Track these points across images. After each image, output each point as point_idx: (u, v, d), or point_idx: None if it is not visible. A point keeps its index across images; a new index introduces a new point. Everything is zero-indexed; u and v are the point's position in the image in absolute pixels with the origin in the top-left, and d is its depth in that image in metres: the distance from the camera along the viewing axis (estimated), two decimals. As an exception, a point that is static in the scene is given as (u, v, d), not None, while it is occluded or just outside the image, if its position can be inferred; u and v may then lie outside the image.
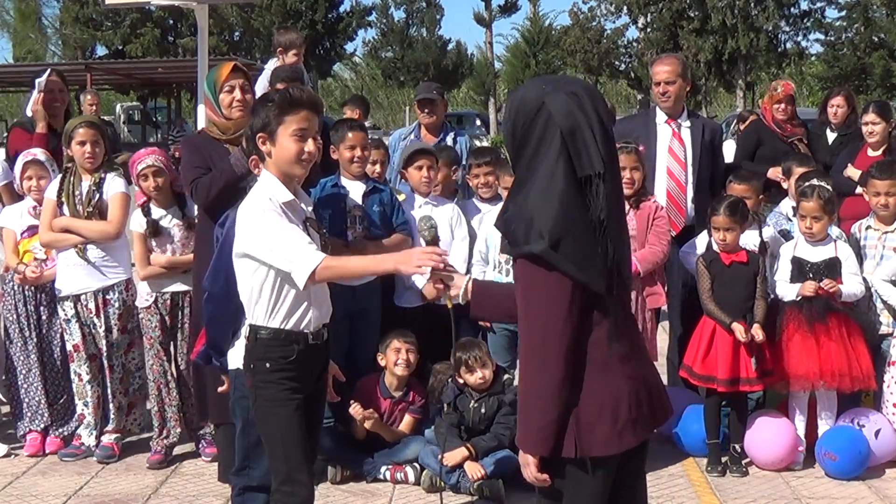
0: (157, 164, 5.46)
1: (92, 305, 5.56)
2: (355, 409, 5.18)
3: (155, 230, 5.47)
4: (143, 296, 5.55)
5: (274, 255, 3.47)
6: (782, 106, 7.61)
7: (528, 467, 2.87)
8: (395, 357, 5.29)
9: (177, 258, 5.50)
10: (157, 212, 5.52)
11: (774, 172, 6.85)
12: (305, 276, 3.41)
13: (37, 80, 6.23)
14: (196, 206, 5.24)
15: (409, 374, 5.37)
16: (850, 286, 5.39)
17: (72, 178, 5.59)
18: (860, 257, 5.64)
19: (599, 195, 2.74)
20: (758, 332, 5.26)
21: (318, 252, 3.46)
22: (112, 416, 5.67)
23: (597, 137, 2.75)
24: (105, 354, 5.60)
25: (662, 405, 2.98)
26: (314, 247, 3.48)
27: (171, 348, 5.59)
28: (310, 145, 3.58)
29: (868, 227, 5.71)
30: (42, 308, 5.80)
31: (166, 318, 5.52)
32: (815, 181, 5.59)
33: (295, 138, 3.55)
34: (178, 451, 5.71)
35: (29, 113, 6.34)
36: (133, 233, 5.53)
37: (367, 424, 5.23)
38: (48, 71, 6.37)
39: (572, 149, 2.74)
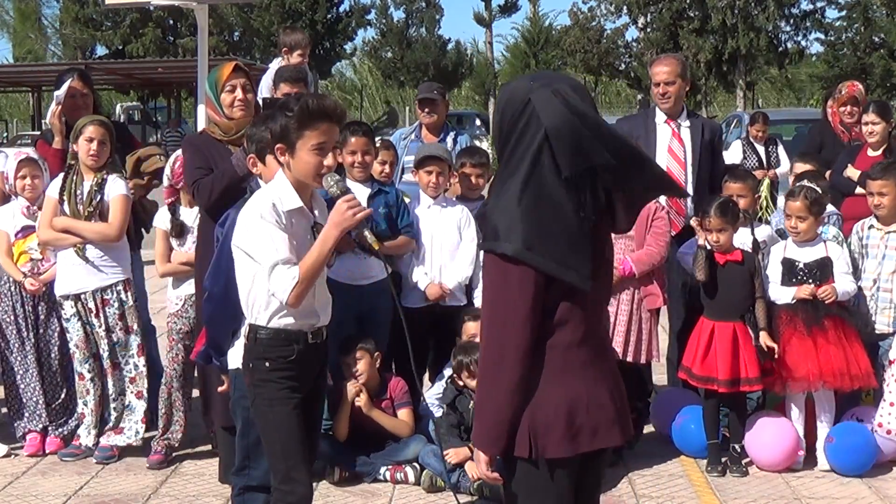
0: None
1: (91, 305, 5.55)
2: (351, 384, 5.22)
3: (180, 231, 5.54)
4: (173, 299, 5.58)
5: (260, 269, 3.51)
6: (848, 108, 7.53)
7: (480, 465, 2.85)
8: (349, 373, 5.31)
9: None
10: (185, 212, 5.56)
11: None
12: (285, 300, 3.49)
13: (55, 93, 5.98)
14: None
15: (372, 377, 5.36)
16: (843, 285, 5.41)
17: (74, 177, 5.58)
18: (862, 256, 5.66)
19: (582, 195, 2.73)
20: (766, 341, 5.29)
21: (290, 270, 3.46)
22: (111, 417, 5.65)
23: (582, 137, 2.72)
24: (107, 354, 5.59)
25: (625, 418, 2.92)
26: (288, 266, 3.47)
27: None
28: (329, 159, 3.54)
29: (871, 227, 5.71)
30: (40, 307, 5.80)
31: (192, 321, 5.48)
32: (805, 182, 5.61)
33: (314, 153, 3.51)
34: (178, 451, 5.69)
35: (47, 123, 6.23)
36: (156, 229, 5.63)
37: (361, 402, 5.24)
38: (70, 77, 6.02)
39: (556, 147, 2.72)
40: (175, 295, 5.61)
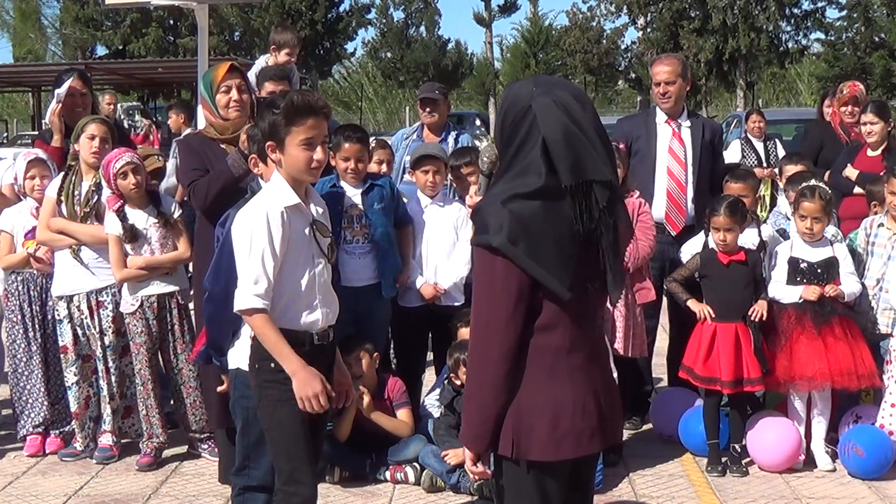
0: (134, 161, 5.41)
1: (84, 307, 5.54)
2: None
3: (133, 235, 5.39)
4: (128, 300, 5.49)
5: (239, 269, 3.56)
6: (849, 108, 7.51)
7: (467, 461, 2.87)
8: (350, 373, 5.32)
9: (155, 258, 5.46)
10: (132, 213, 5.43)
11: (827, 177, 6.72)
12: (239, 309, 3.55)
13: (56, 91, 5.98)
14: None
15: (371, 378, 5.36)
16: (849, 286, 5.40)
17: (73, 178, 5.58)
18: (868, 254, 5.64)
19: (578, 205, 2.73)
20: (762, 311, 5.32)
21: (260, 298, 3.51)
22: (107, 418, 5.64)
23: (580, 148, 2.73)
24: (100, 356, 5.57)
25: (613, 425, 2.93)
26: (266, 286, 3.51)
27: (162, 353, 5.57)
28: (318, 153, 3.58)
29: (880, 225, 5.67)
30: (48, 308, 5.78)
31: (153, 322, 5.47)
32: (813, 182, 5.58)
33: (303, 147, 3.55)
34: (178, 451, 5.70)
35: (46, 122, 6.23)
36: (109, 236, 5.44)
37: (364, 403, 5.25)
38: (70, 77, 6.02)
39: (554, 157, 2.73)
40: (130, 295, 5.50)
